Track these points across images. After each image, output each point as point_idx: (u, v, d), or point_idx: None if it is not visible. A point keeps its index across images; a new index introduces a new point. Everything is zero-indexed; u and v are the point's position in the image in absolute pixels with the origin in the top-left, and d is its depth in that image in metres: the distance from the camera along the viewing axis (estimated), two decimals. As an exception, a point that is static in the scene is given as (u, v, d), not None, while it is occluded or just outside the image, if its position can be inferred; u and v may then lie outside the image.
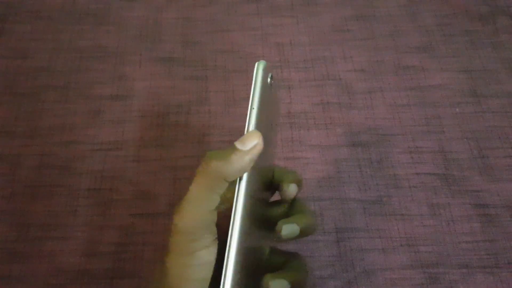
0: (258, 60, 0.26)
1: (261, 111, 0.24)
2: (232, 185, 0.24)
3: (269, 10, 0.54)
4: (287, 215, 0.28)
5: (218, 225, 0.25)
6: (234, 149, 0.24)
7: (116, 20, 0.54)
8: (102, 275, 0.39)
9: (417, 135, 0.46)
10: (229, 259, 0.22)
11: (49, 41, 0.52)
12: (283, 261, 0.28)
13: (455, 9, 0.53)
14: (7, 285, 0.39)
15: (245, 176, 0.24)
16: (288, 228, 0.26)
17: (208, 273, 0.24)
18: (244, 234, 0.23)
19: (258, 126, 0.24)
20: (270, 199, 0.30)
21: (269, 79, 0.26)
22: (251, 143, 0.24)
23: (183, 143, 0.46)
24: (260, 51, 0.51)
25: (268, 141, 0.25)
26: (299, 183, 0.28)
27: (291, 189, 0.27)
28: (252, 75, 0.25)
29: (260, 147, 0.24)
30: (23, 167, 0.45)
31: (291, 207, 0.28)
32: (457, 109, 0.47)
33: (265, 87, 0.25)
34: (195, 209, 0.24)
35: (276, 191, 0.29)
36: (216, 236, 0.24)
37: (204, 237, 0.24)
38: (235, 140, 0.24)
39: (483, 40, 0.51)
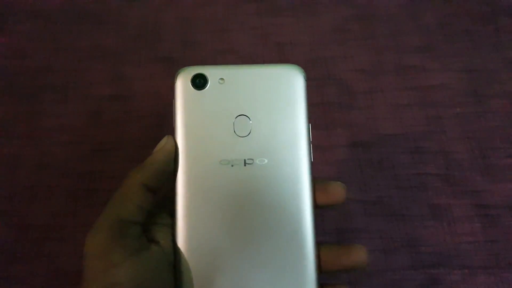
0: (255, 60, 0.26)
1: (194, 115, 0.25)
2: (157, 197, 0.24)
3: (269, 9, 0.54)
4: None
5: None
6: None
7: (116, 20, 0.53)
8: (102, 276, 0.39)
9: (418, 135, 0.46)
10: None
11: (48, 41, 0.52)
12: None
13: (456, 9, 0.53)
14: (6, 286, 0.39)
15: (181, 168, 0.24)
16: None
17: None
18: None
19: (188, 130, 0.25)
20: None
21: (196, 82, 0.25)
22: (159, 145, 0.25)
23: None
24: (260, 51, 0.51)
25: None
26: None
27: (339, 187, 0.25)
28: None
29: (168, 146, 0.24)
30: (22, 167, 0.45)
31: None
32: (458, 109, 0.47)
33: (192, 92, 0.25)
34: (104, 221, 0.23)
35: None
36: (135, 251, 0.22)
37: (112, 252, 0.22)
38: None
39: (484, 40, 0.51)
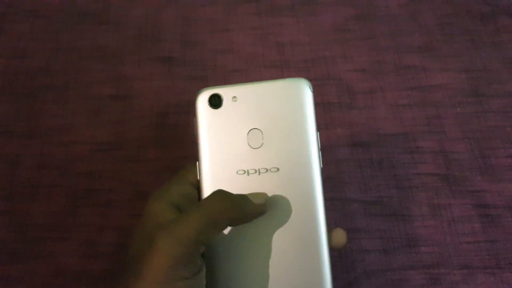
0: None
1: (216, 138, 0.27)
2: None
3: (269, 9, 0.54)
4: None
5: None
6: (245, 197, 0.25)
7: (116, 20, 0.53)
8: (101, 276, 0.39)
9: (418, 135, 0.46)
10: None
11: (48, 41, 0.52)
12: None
13: (456, 9, 0.53)
14: (6, 286, 0.39)
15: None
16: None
17: None
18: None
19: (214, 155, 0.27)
20: None
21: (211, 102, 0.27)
22: (260, 200, 0.25)
23: (183, 143, 0.46)
24: (260, 51, 0.51)
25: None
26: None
27: (340, 234, 0.27)
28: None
29: (266, 209, 0.25)
30: (22, 167, 0.45)
31: None
32: (458, 109, 0.47)
33: (212, 114, 0.27)
34: (181, 240, 0.22)
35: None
36: (200, 267, 0.23)
37: (183, 267, 0.22)
38: None
39: (484, 39, 0.51)
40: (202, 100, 0.28)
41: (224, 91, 0.28)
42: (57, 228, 0.41)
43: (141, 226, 0.24)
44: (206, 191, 0.27)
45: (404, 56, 0.50)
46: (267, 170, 0.27)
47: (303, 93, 0.27)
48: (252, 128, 0.27)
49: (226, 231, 0.26)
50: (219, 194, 0.24)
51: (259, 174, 0.27)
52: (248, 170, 0.27)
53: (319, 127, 0.46)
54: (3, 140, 0.46)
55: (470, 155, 0.44)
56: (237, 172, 0.27)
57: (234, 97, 0.27)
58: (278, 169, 0.27)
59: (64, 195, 0.43)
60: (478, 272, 0.39)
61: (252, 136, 0.27)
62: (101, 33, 0.53)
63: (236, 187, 0.26)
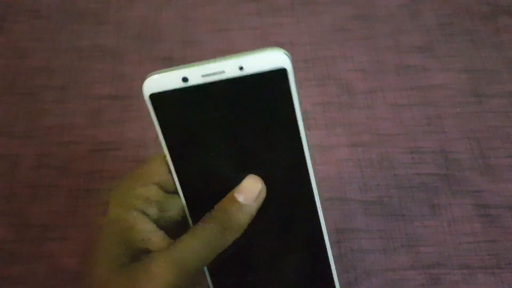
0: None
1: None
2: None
3: (269, 9, 0.54)
4: None
5: None
6: (236, 203, 0.19)
7: (116, 20, 0.53)
8: (102, 276, 0.39)
9: (418, 135, 0.46)
10: None
11: (48, 41, 0.52)
12: None
13: (456, 9, 0.53)
14: (6, 286, 0.39)
15: None
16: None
17: None
18: None
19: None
20: None
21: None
22: (253, 192, 0.20)
23: (183, 143, 0.46)
24: (260, 50, 0.51)
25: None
26: None
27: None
28: None
29: (264, 194, 0.20)
30: (22, 167, 0.44)
31: None
32: (458, 109, 0.47)
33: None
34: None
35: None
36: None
37: None
38: None
39: (484, 39, 0.51)
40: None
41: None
42: (57, 228, 0.41)
43: (106, 236, 0.21)
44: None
45: (404, 56, 0.50)
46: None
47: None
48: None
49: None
50: (220, 217, 0.20)
51: None
52: None
53: (319, 127, 0.46)
54: (3, 139, 0.46)
55: (470, 155, 0.44)
56: None
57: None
58: None
59: (64, 195, 0.43)
60: (478, 272, 0.39)
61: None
62: (101, 33, 0.53)
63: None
